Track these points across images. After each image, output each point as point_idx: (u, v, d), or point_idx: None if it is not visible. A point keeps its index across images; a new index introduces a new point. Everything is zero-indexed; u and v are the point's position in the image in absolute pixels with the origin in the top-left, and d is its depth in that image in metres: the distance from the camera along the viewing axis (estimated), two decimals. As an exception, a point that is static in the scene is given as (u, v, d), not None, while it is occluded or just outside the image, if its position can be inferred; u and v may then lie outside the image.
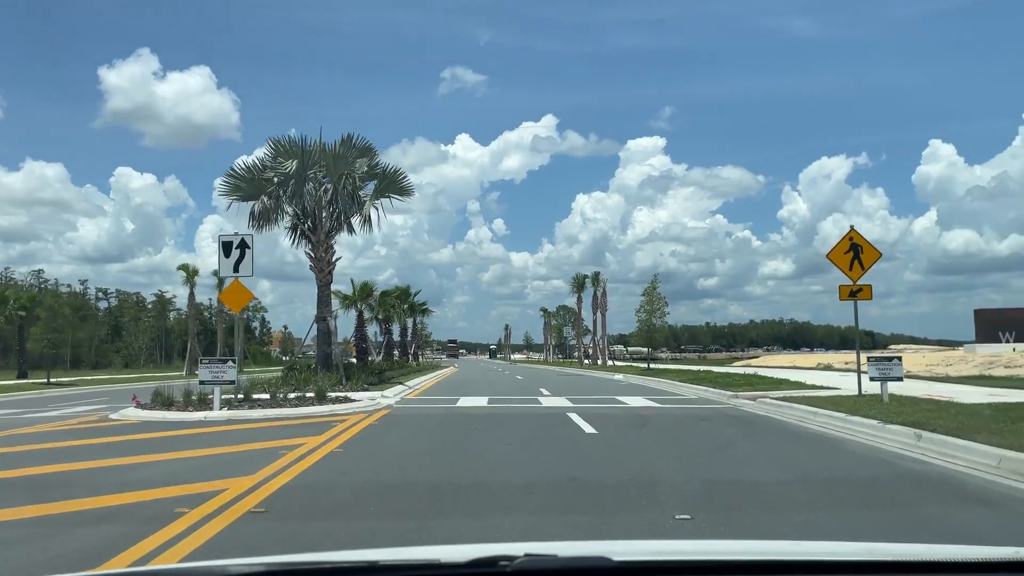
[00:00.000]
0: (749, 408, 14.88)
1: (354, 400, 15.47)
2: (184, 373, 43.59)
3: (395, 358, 39.33)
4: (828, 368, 32.44)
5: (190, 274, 47.65)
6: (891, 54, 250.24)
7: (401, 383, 22.98)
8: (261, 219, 21.22)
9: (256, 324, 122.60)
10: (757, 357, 58.36)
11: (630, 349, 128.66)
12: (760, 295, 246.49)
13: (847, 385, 19.25)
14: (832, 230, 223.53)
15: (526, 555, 1.63)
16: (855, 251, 15.43)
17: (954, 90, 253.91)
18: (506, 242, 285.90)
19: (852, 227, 15.69)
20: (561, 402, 16.51)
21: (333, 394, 16.03)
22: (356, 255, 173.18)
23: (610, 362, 49.68)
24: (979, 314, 32.47)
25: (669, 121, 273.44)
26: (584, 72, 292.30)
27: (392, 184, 21.52)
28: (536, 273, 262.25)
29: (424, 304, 49.44)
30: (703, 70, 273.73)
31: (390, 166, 21.75)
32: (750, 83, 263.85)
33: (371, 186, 21.96)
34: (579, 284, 57.72)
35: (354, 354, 29.31)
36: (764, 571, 1.73)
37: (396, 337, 44.58)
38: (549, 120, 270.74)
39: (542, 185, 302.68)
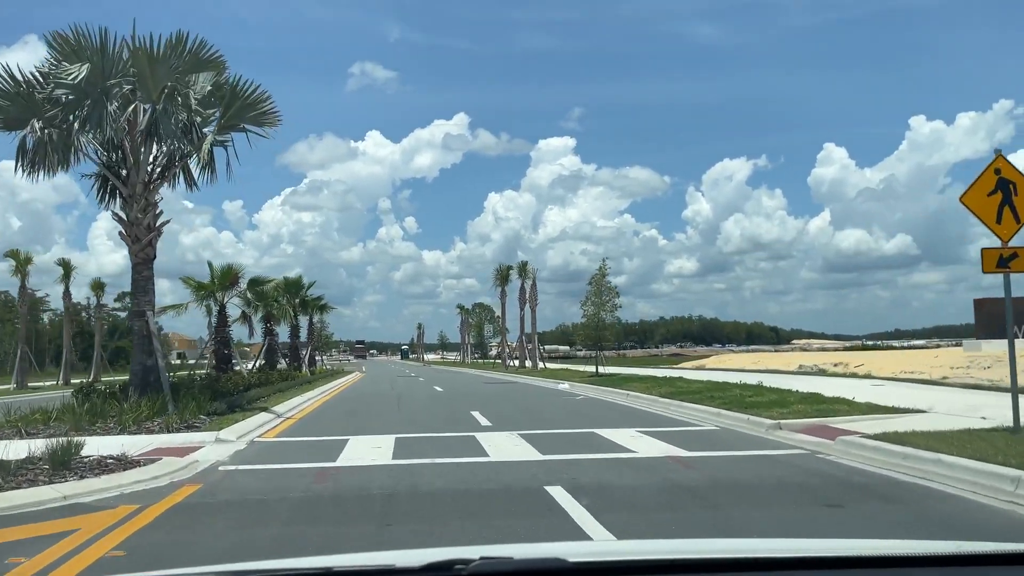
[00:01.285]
0: (843, 459, 8.50)
1: (147, 460, 8.26)
2: (58, 382, 37.71)
3: (281, 365, 31.64)
4: (823, 373, 26.82)
5: (66, 268, 39.24)
6: (789, 61, 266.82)
7: (266, 408, 15.64)
8: (37, 158, 13.55)
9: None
10: (709, 356, 53.00)
11: (546, 348, 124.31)
12: (666, 292, 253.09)
13: (913, 401, 13.38)
14: (734, 229, 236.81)
15: (482, 558, 1.62)
16: (1005, 191, 9.37)
17: (847, 96, 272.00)
18: (418, 240, 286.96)
19: (999, 152, 9.57)
20: (518, 447, 9.76)
21: (119, 442, 8.73)
22: (261, 253, 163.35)
23: (540, 363, 43.32)
24: (980, 305, 27.54)
25: (579, 122, 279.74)
26: (495, 72, 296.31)
27: (247, 108, 14.06)
28: (449, 272, 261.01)
29: (321, 299, 41.70)
30: (611, 72, 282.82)
31: (244, 82, 14.29)
32: (656, 86, 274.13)
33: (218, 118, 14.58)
34: (503, 276, 51.07)
35: (215, 362, 21.68)
36: (717, 569, 1.72)
37: (288, 339, 36.88)
38: (461, 118, 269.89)
39: (454, 183, 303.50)
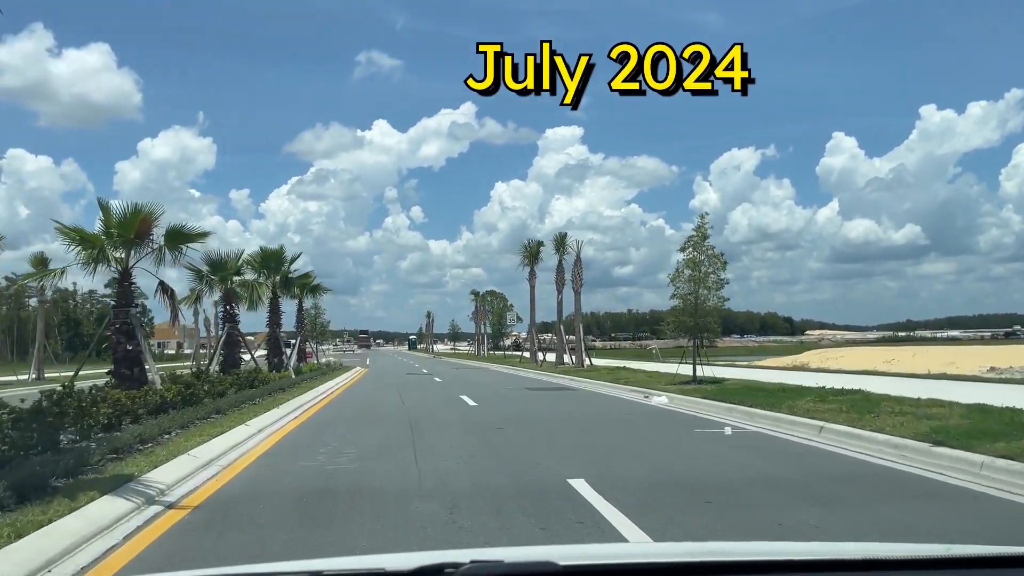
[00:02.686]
0: None
1: None
2: (32, 375, 35.49)
3: (247, 364, 23.23)
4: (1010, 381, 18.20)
5: (37, 263, 31.39)
6: (798, 49, 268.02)
7: (134, 477, 7.10)
8: None
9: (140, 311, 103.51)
10: (798, 352, 44.13)
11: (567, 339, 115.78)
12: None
13: None
14: (741, 219, 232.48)
15: (472, 562, 1.61)
16: None
17: (857, 85, 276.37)
18: (424, 230, 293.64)
19: None
20: None
21: None
22: (268, 242, 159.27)
23: (585, 360, 34.72)
24: None
25: (585, 110, 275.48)
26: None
27: None
28: (455, 261, 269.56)
29: (310, 278, 33.10)
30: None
31: None
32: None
33: None
34: (532, 254, 42.49)
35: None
36: (708, 571, 1.72)
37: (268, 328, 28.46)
38: (468, 108, 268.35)
39: (461, 173, 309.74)
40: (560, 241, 37.79)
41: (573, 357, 36.30)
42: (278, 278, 27.62)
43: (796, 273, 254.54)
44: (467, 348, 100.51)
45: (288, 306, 31.60)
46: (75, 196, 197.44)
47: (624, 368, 28.84)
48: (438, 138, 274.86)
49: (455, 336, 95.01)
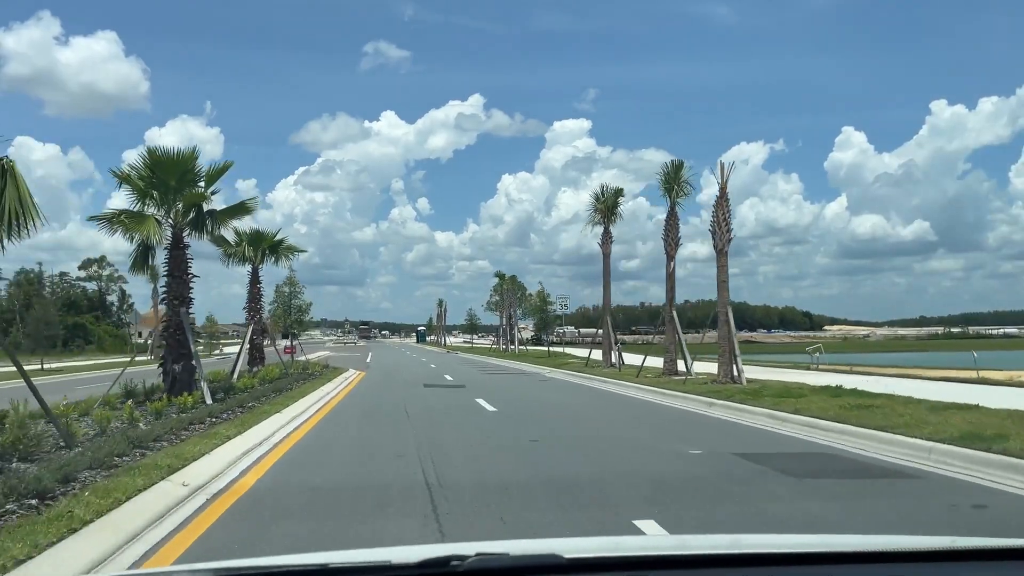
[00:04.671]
0: None
1: None
2: None
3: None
4: None
5: None
6: (808, 43, 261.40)
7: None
8: None
9: (114, 297, 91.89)
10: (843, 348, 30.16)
11: (582, 332, 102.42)
12: (679, 277, 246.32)
13: None
14: (749, 214, 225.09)
15: (477, 554, 1.59)
16: None
17: (867, 80, 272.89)
18: (431, 221, 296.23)
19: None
20: None
21: None
22: (275, 232, 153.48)
23: (686, 359, 20.59)
24: None
25: (593, 103, 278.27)
26: (510, 52, 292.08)
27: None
28: (461, 253, 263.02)
29: (267, 235, 19.40)
30: (627, 54, 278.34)
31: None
32: (673, 68, 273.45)
33: None
34: (607, 206, 28.55)
35: None
36: (712, 564, 1.70)
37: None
38: (476, 99, 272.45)
39: (468, 165, 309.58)
40: (674, 172, 23.16)
41: (688, 359, 22.52)
42: (181, 206, 13.84)
43: (803, 268, 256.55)
44: (490, 342, 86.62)
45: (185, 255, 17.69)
46: (83, 185, 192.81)
47: (850, 392, 14.85)
48: (446, 130, 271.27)
49: (472, 328, 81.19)
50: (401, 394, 19.16)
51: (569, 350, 45.58)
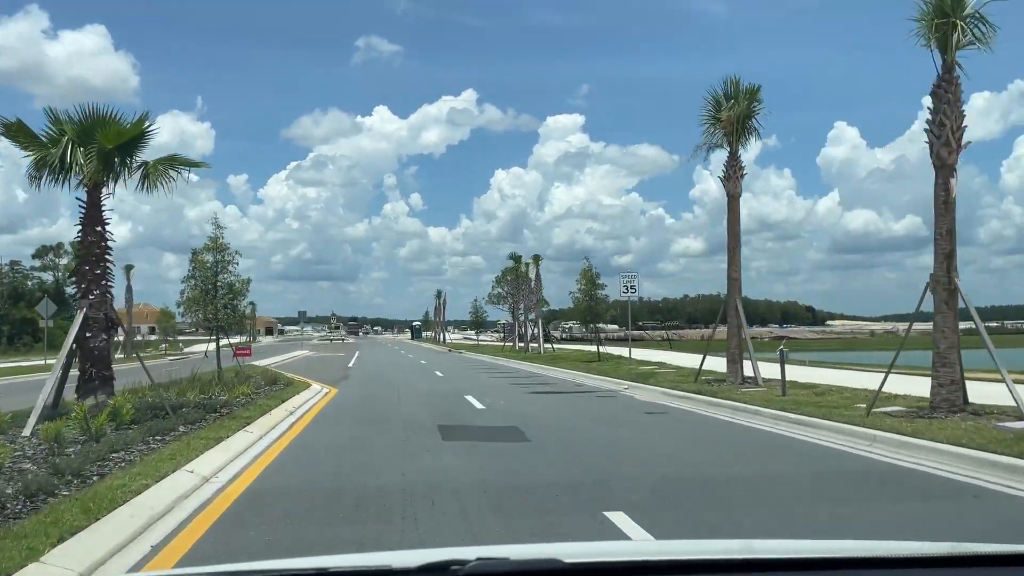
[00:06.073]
0: None
1: None
2: None
3: None
4: None
5: None
6: (800, 38, 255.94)
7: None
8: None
9: (73, 288, 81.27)
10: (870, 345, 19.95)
11: (572, 327, 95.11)
12: (673, 272, 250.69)
13: None
14: (741, 209, 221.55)
15: (478, 559, 1.57)
16: None
17: (859, 75, 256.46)
18: (423, 217, 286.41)
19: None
20: None
21: None
22: (267, 228, 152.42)
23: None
24: None
25: (586, 99, 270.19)
26: (503, 47, 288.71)
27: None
28: (454, 249, 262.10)
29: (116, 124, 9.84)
30: (620, 49, 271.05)
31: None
32: (665, 63, 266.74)
33: None
34: (739, 119, 18.48)
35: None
36: (713, 570, 1.68)
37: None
38: (469, 94, 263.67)
39: (461, 160, 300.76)
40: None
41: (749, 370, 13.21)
42: None
43: (795, 263, 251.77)
44: (498, 339, 77.50)
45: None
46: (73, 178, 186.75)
47: None
48: (438, 125, 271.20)
49: (477, 323, 72.12)
50: (398, 469, 9.05)
51: (610, 349, 36.28)
